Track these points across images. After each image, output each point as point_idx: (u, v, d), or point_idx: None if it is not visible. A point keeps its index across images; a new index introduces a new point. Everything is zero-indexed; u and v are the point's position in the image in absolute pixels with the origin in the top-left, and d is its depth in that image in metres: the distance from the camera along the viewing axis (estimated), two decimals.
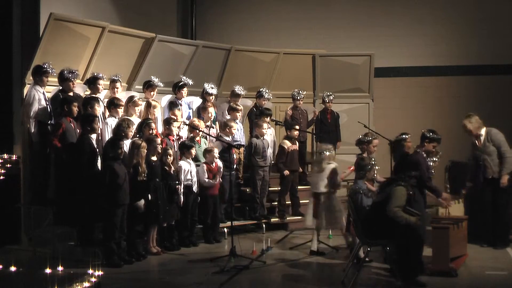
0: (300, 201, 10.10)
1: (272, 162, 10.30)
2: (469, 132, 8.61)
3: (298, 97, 10.79)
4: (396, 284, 6.62)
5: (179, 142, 8.94)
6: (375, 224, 6.65)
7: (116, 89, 9.06)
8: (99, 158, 8.03)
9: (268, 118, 10.11)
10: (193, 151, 8.75)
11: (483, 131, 8.57)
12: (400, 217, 6.49)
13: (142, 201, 7.84)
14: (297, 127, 10.16)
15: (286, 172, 9.79)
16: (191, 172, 8.68)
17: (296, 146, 10.05)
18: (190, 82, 9.85)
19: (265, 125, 9.84)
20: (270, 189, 10.20)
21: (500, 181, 8.39)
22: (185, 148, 8.69)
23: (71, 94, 8.42)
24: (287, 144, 9.89)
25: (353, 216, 7.24)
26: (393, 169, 6.83)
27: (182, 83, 9.75)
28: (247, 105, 10.80)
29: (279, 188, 10.12)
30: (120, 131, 8.01)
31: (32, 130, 8.15)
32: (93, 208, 7.70)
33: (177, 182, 8.42)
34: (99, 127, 8.22)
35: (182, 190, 8.50)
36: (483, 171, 8.51)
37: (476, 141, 8.61)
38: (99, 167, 7.95)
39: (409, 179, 6.74)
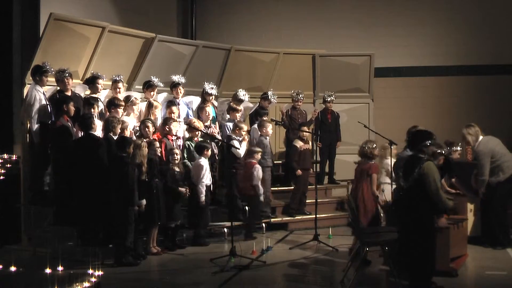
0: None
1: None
2: (467, 143, 8.67)
3: (297, 98, 10.80)
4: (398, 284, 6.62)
5: (196, 143, 9.01)
6: (405, 210, 6.38)
7: (118, 89, 9.07)
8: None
9: (264, 118, 10.14)
10: (209, 152, 8.90)
11: (478, 141, 8.56)
12: (442, 199, 6.18)
13: (144, 201, 7.85)
14: (306, 128, 10.21)
15: (299, 172, 9.85)
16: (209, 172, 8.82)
17: (308, 146, 10.15)
18: (182, 80, 9.78)
19: (270, 125, 9.90)
20: (275, 188, 10.30)
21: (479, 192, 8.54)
22: (204, 149, 8.78)
23: (68, 93, 8.43)
24: (299, 143, 10.02)
25: (352, 216, 7.23)
26: (408, 145, 6.59)
27: (175, 82, 9.72)
28: (248, 106, 10.80)
29: (293, 187, 10.15)
30: (108, 129, 8.06)
31: (34, 130, 8.17)
32: (102, 206, 7.74)
33: (185, 182, 8.55)
34: (96, 126, 8.23)
35: (204, 189, 8.59)
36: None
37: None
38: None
39: (427, 148, 6.40)
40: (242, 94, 10.24)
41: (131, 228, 7.60)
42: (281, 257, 8.11)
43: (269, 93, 10.59)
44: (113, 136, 8.07)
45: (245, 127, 9.66)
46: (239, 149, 9.30)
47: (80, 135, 8.18)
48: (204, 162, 8.75)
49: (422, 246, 6.24)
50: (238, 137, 9.47)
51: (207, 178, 8.72)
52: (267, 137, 9.87)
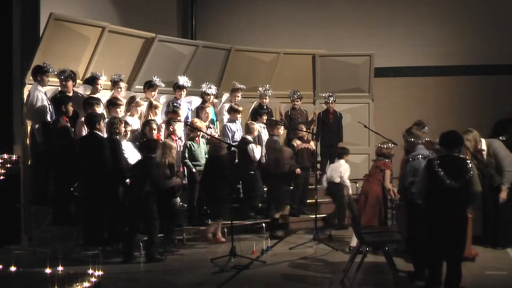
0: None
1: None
2: (467, 149, 8.45)
3: (293, 98, 10.82)
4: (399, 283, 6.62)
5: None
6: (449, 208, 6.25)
7: (119, 89, 9.07)
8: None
9: (264, 117, 10.14)
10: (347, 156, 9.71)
11: (483, 145, 8.53)
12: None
13: (178, 199, 8.29)
14: (304, 128, 10.22)
15: (298, 171, 9.85)
16: None
17: (307, 145, 10.16)
18: (188, 84, 9.77)
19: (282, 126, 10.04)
20: None
21: (499, 194, 8.40)
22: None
23: (70, 94, 8.44)
24: (297, 142, 10.09)
25: (351, 215, 7.24)
26: (440, 145, 6.61)
27: (179, 84, 9.71)
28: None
29: (292, 187, 10.17)
30: (113, 129, 8.07)
31: (36, 130, 8.17)
32: (107, 206, 7.84)
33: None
34: (103, 126, 8.24)
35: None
36: (489, 179, 8.49)
37: (478, 155, 8.54)
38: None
39: (462, 149, 6.50)
40: (237, 84, 10.39)
41: (157, 224, 7.77)
42: (281, 257, 8.12)
43: (262, 88, 10.64)
44: (118, 137, 8.09)
45: (257, 127, 9.70)
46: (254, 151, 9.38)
47: (80, 135, 8.19)
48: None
49: (460, 242, 6.27)
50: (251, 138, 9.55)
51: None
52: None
